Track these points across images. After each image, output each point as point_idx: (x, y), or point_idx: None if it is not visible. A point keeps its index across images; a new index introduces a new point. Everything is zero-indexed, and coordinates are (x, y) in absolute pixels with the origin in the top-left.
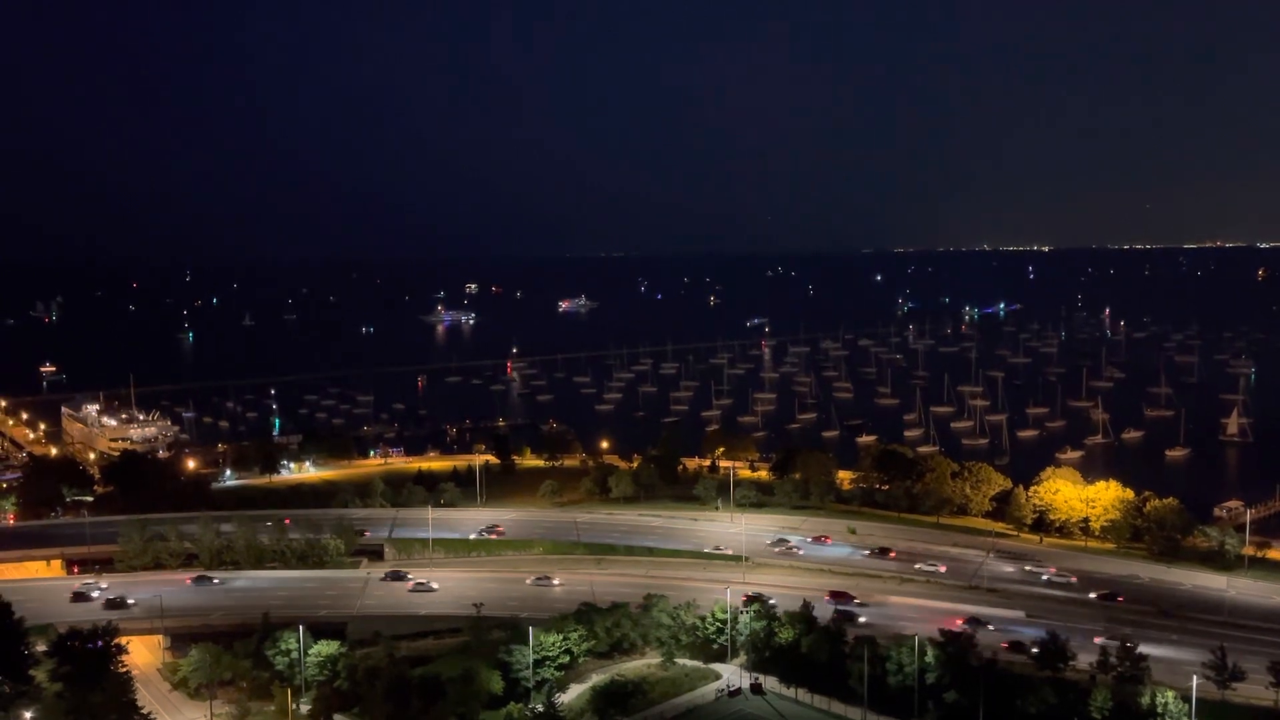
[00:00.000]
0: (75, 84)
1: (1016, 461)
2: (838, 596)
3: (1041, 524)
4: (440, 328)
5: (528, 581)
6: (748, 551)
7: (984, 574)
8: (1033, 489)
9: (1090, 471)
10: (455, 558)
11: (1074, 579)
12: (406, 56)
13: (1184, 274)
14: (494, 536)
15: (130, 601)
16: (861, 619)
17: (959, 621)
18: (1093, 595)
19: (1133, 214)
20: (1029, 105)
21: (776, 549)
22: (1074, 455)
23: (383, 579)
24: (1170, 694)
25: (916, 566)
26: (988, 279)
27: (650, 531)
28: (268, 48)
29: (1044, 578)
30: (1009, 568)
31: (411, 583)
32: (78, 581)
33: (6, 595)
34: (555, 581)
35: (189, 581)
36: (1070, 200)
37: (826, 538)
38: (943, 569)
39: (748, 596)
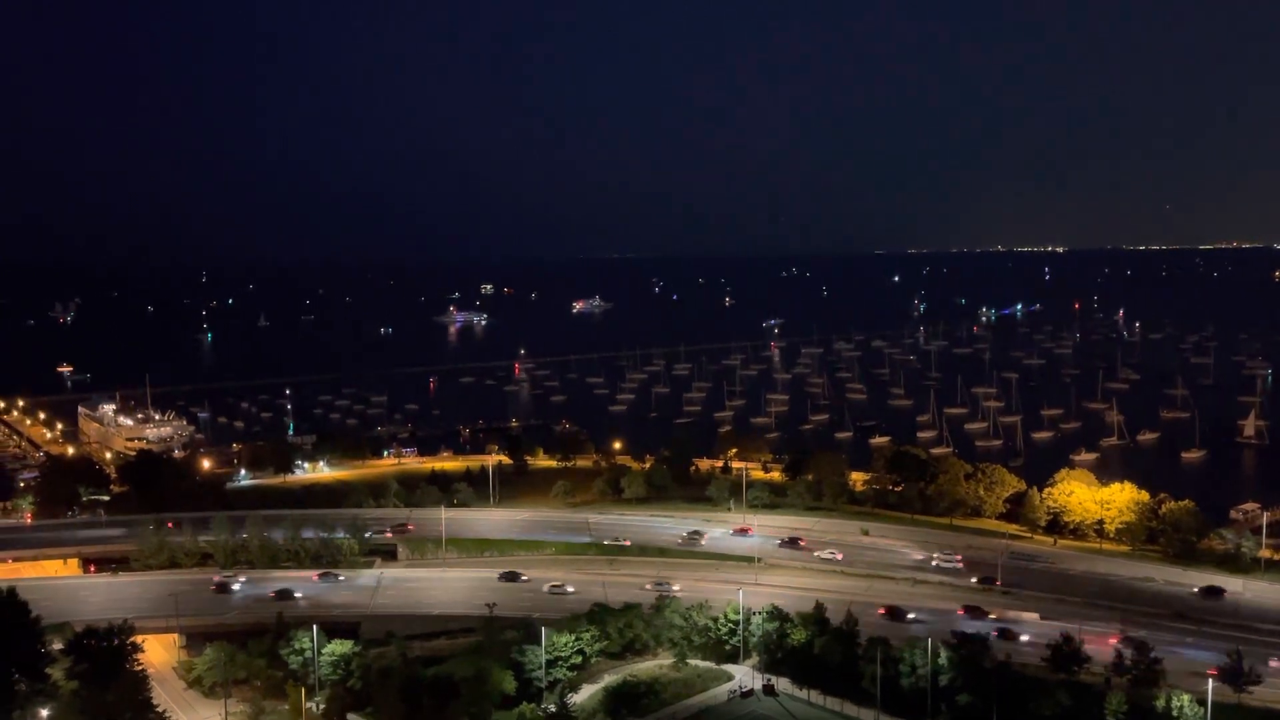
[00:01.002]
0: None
1: (1030, 463)
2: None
3: (1055, 526)
4: (452, 329)
5: (544, 589)
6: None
7: (895, 563)
8: (1047, 491)
9: (1105, 473)
10: (468, 557)
11: (961, 562)
12: (416, 58)
13: (1200, 275)
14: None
15: (298, 595)
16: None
17: (881, 610)
18: (974, 580)
19: (1148, 215)
20: (1043, 105)
21: (688, 539)
22: (1089, 457)
23: (500, 579)
24: (1186, 697)
25: (816, 554)
26: (1003, 280)
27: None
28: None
29: (932, 563)
30: (919, 555)
31: (548, 586)
32: (217, 574)
33: (24, 594)
34: (569, 589)
35: (316, 577)
36: (1085, 201)
37: (749, 529)
38: (839, 556)
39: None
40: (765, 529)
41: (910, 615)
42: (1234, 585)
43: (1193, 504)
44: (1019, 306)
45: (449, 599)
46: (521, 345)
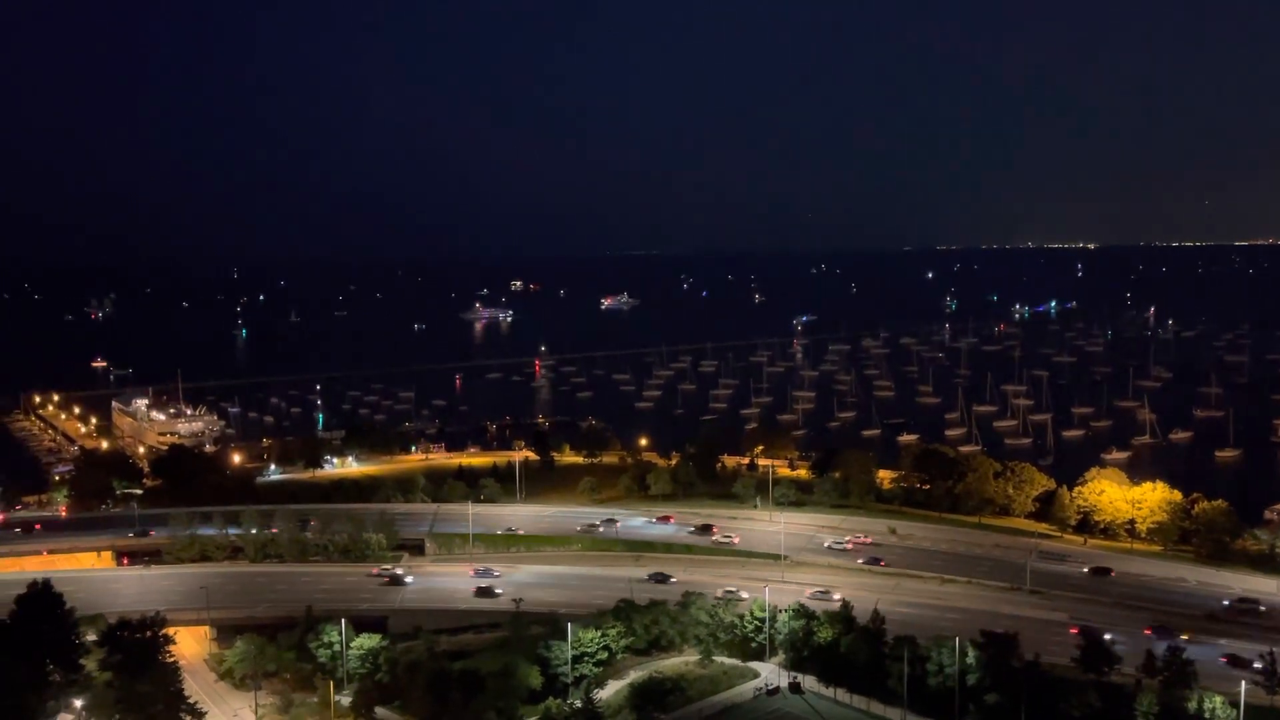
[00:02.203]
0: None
1: (1061, 462)
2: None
3: (1086, 525)
4: (478, 325)
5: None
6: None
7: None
8: (1077, 490)
9: (1137, 472)
10: (494, 552)
11: (849, 545)
12: (447, 58)
13: (1236, 271)
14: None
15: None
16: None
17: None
18: (860, 561)
19: (1181, 210)
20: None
21: (601, 527)
22: (1120, 456)
23: (646, 580)
24: (1219, 699)
25: (714, 539)
26: (1036, 277)
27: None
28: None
29: (825, 544)
30: (828, 541)
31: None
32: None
33: (59, 586)
34: (672, 579)
35: (470, 571)
36: (1117, 197)
37: (670, 517)
38: (736, 540)
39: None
40: (791, 525)
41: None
42: (1269, 587)
43: (1226, 504)
44: (1053, 303)
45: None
46: (543, 342)
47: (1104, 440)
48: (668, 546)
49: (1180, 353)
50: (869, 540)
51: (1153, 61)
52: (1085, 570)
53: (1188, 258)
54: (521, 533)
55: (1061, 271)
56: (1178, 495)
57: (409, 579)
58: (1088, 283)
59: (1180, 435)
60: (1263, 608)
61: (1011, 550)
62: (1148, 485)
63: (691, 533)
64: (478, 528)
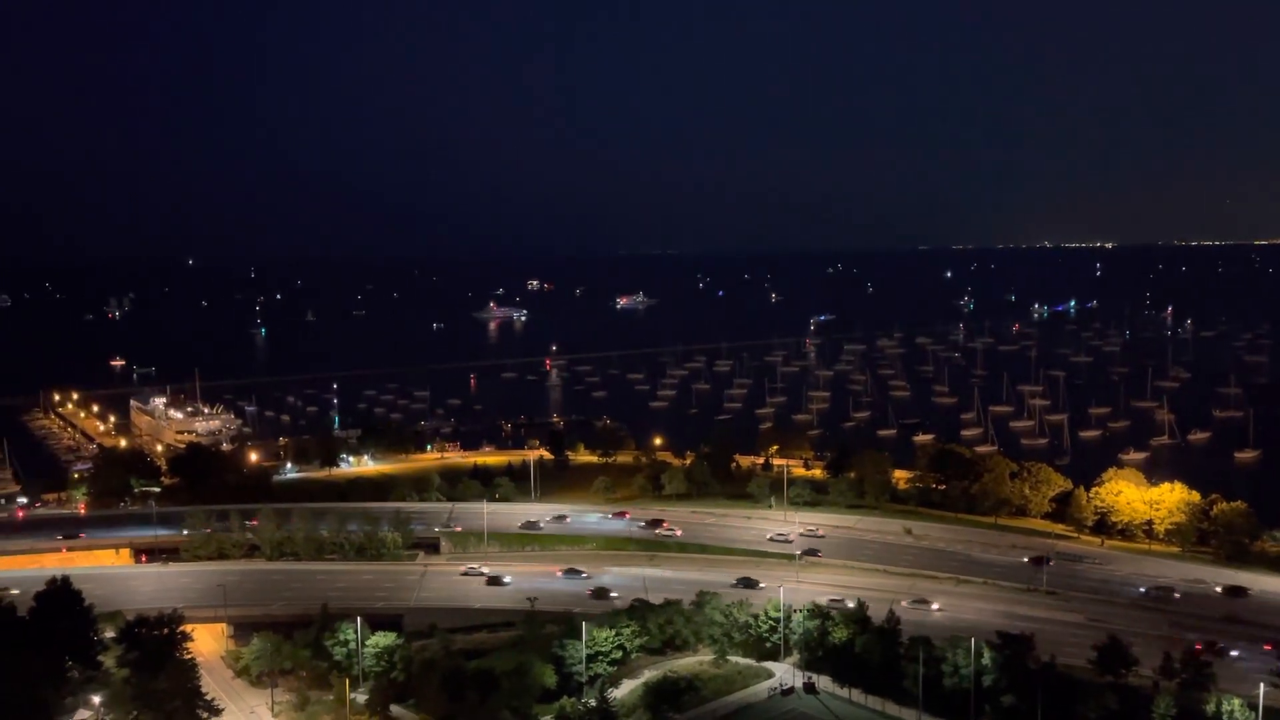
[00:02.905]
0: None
1: (1077, 462)
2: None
3: (1103, 526)
4: (492, 324)
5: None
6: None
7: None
8: (1094, 490)
9: (1155, 473)
10: (509, 551)
11: (791, 537)
12: (466, 58)
13: (1256, 271)
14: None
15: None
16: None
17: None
18: (798, 553)
19: (1199, 210)
20: (1089, 100)
21: (551, 522)
22: (1138, 456)
23: (733, 585)
24: (1236, 701)
25: (655, 532)
26: (1054, 276)
27: (703, 529)
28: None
29: (768, 536)
30: (770, 534)
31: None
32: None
33: (77, 583)
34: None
35: (559, 574)
36: (1135, 196)
37: (625, 513)
38: (678, 533)
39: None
40: (799, 524)
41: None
42: None
43: (1245, 505)
44: (1072, 303)
45: (492, 593)
46: (555, 341)
47: (1122, 441)
48: (681, 546)
49: (1199, 353)
50: (821, 533)
51: (1172, 60)
52: (1219, 590)
53: (1207, 257)
54: (457, 528)
55: (1080, 271)
56: (1196, 496)
57: (507, 579)
58: (1106, 282)
59: (1199, 436)
60: (1177, 594)
61: (1028, 551)
62: (1166, 486)
63: (642, 527)
64: (492, 526)
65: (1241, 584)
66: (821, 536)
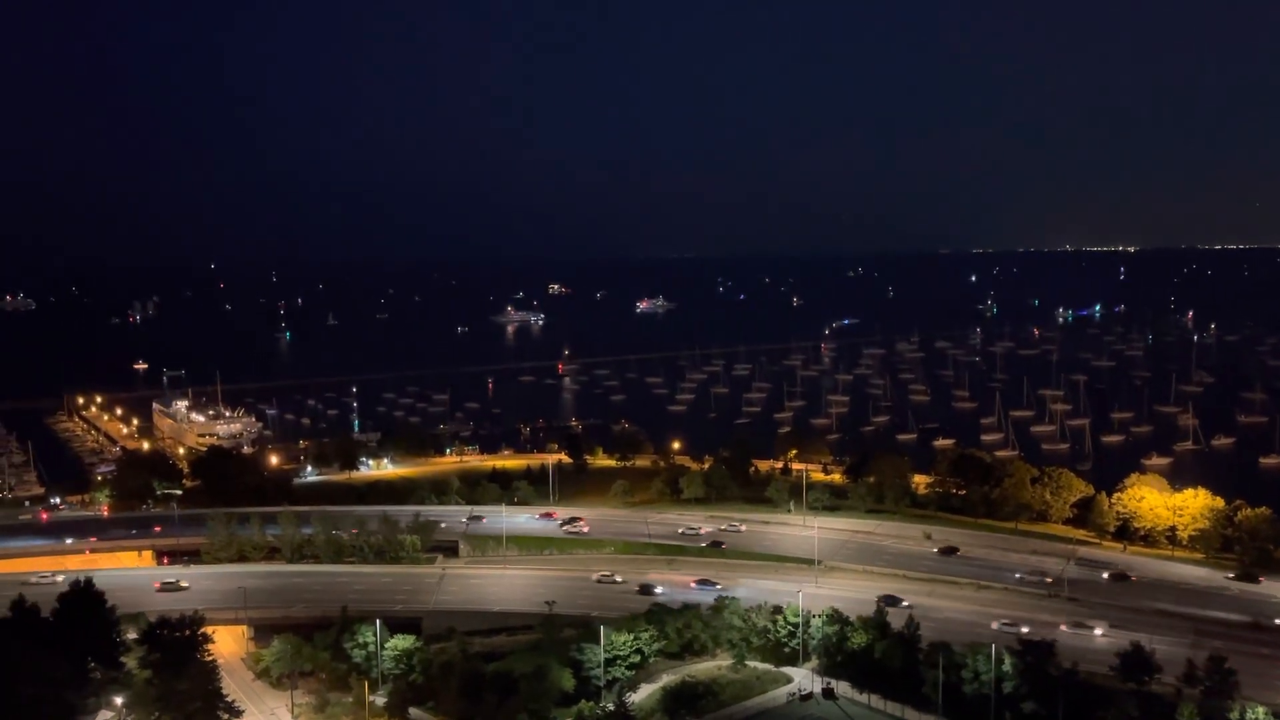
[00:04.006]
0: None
1: (1099, 467)
2: None
3: (1125, 532)
4: (510, 328)
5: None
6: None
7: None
8: (1116, 496)
9: (1178, 479)
10: (528, 555)
11: (702, 529)
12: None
13: None
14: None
15: (658, 590)
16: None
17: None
18: (705, 544)
19: (1224, 213)
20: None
21: (470, 521)
22: (1161, 462)
23: (877, 600)
24: (1261, 709)
25: (564, 529)
26: (1076, 280)
27: (721, 533)
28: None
29: (680, 530)
30: (682, 528)
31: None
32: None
33: (100, 584)
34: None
35: (693, 584)
36: (1158, 199)
37: (553, 513)
38: (586, 529)
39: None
40: (825, 529)
41: None
42: None
43: (1270, 511)
44: (1097, 307)
45: (509, 596)
46: (569, 346)
47: (1144, 446)
48: (700, 550)
49: (1223, 357)
50: (724, 527)
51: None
52: (1105, 576)
53: (1232, 261)
54: (354, 530)
55: (1103, 274)
56: (1220, 502)
57: (659, 589)
58: (1130, 286)
59: (1223, 441)
60: (1049, 579)
61: (1049, 557)
62: (1189, 492)
63: (561, 525)
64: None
65: (1121, 570)
66: (740, 531)
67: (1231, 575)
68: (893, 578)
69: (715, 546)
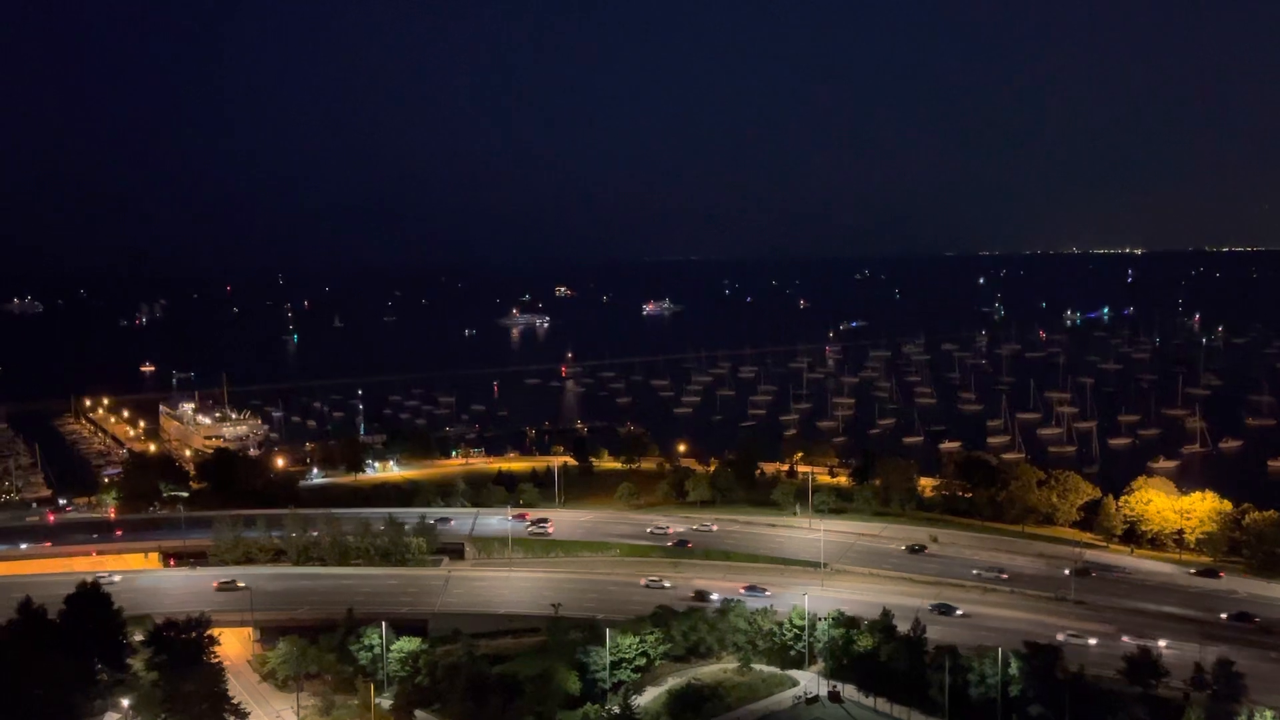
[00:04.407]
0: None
1: (1106, 470)
2: None
3: (1132, 535)
4: (515, 331)
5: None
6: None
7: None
8: (1123, 499)
9: (1186, 482)
10: (534, 557)
11: (670, 530)
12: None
13: None
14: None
15: (713, 597)
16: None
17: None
18: (670, 543)
19: (1231, 215)
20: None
21: (439, 522)
22: (1168, 465)
23: (931, 610)
24: (1269, 713)
25: (529, 529)
26: (1084, 282)
27: (727, 535)
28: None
29: (648, 530)
30: (650, 528)
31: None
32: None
33: (107, 586)
34: (666, 584)
35: (742, 590)
36: (1164, 201)
37: (526, 514)
38: (551, 530)
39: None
40: (831, 532)
41: None
42: None
43: (1278, 515)
44: (1105, 309)
45: (515, 598)
46: (573, 349)
47: (1151, 449)
48: (706, 553)
49: (1231, 360)
50: (695, 528)
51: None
52: (1066, 573)
53: (1241, 263)
54: (313, 534)
55: (1111, 277)
56: (1228, 505)
57: (714, 596)
58: (1138, 288)
59: (1231, 444)
60: (1004, 575)
61: (1055, 560)
62: (1197, 495)
63: (528, 527)
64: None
65: (1083, 565)
66: (712, 530)
67: (1193, 571)
68: (899, 580)
69: (681, 546)
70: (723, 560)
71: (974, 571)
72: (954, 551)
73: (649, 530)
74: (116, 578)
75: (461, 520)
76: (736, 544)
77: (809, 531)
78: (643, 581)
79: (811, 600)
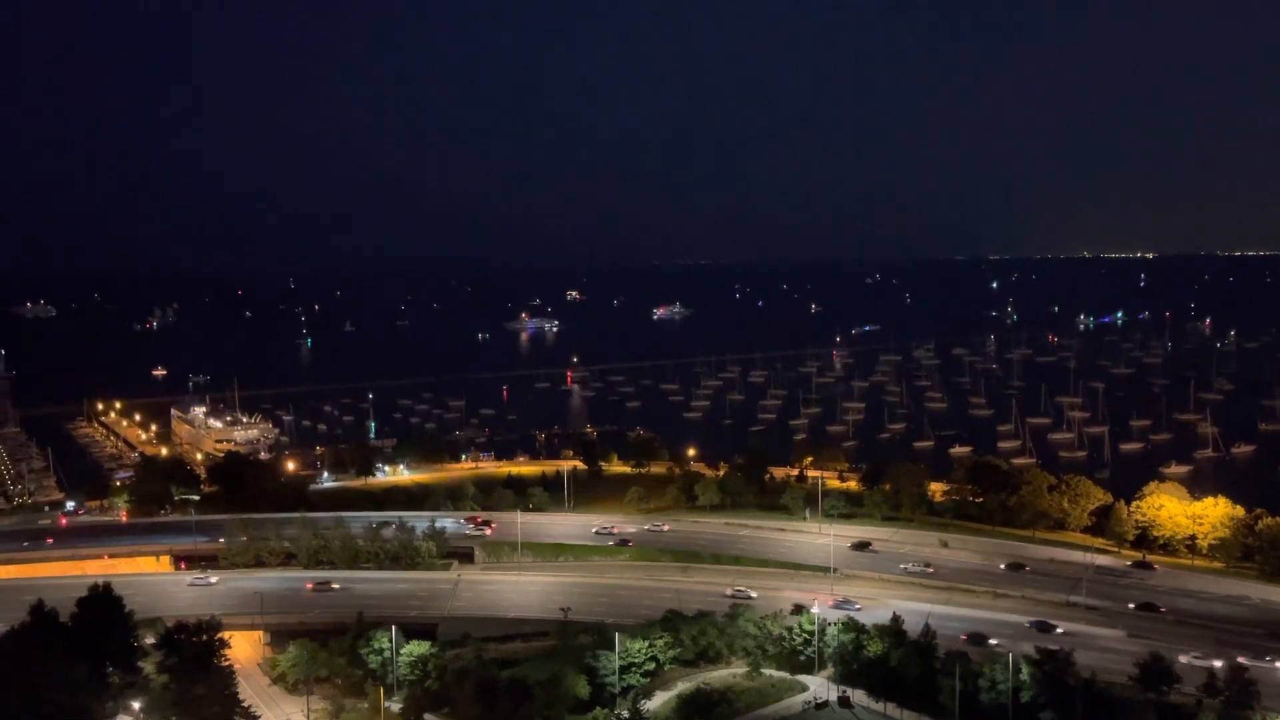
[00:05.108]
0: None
1: (1118, 475)
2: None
3: (1144, 541)
4: (524, 335)
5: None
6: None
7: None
8: (1135, 504)
9: (1198, 487)
10: (544, 562)
11: (615, 529)
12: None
13: None
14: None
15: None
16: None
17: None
18: (611, 541)
19: (1243, 219)
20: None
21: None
22: (1180, 470)
23: (1030, 627)
24: None
25: (468, 531)
26: (1096, 286)
27: (737, 540)
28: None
29: (593, 530)
30: (595, 527)
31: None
32: (830, 599)
33: (118, 589)
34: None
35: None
36: (1174, 204)
37: (476, 518)
38: (490, 530)
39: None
40: (841, 537)
41: None
42: None
43: None
44: (1119, 314)
45: (524, 602)
46: (580, 353)
47: (1164, 454)
48: (715, 557)
49: (1243, 364)
50: (647, 528)
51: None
52: (1002, 567)
53: (1253, 267)
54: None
55: (1124, 281)
56: (1240, 511)
57: (815, 609)
58: (1151, 292)
59: (1243, 449)
60: (929, 568)
61: (1066, 565)
62: (1209, 500)
63: (472, 528)
64: (541, 537)
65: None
66: (664, 531)
67: (1130, 564)
68: (908, 586)
69: (622, 545)
70: (733, 565)
71: (900, 566)
72: (894, 548)
73: (594, 530)
74: (213, 579)
75: (419, 521)
76: (786, 552)
77: (818, 536)
78: (728, 591)
79: (821, 605)
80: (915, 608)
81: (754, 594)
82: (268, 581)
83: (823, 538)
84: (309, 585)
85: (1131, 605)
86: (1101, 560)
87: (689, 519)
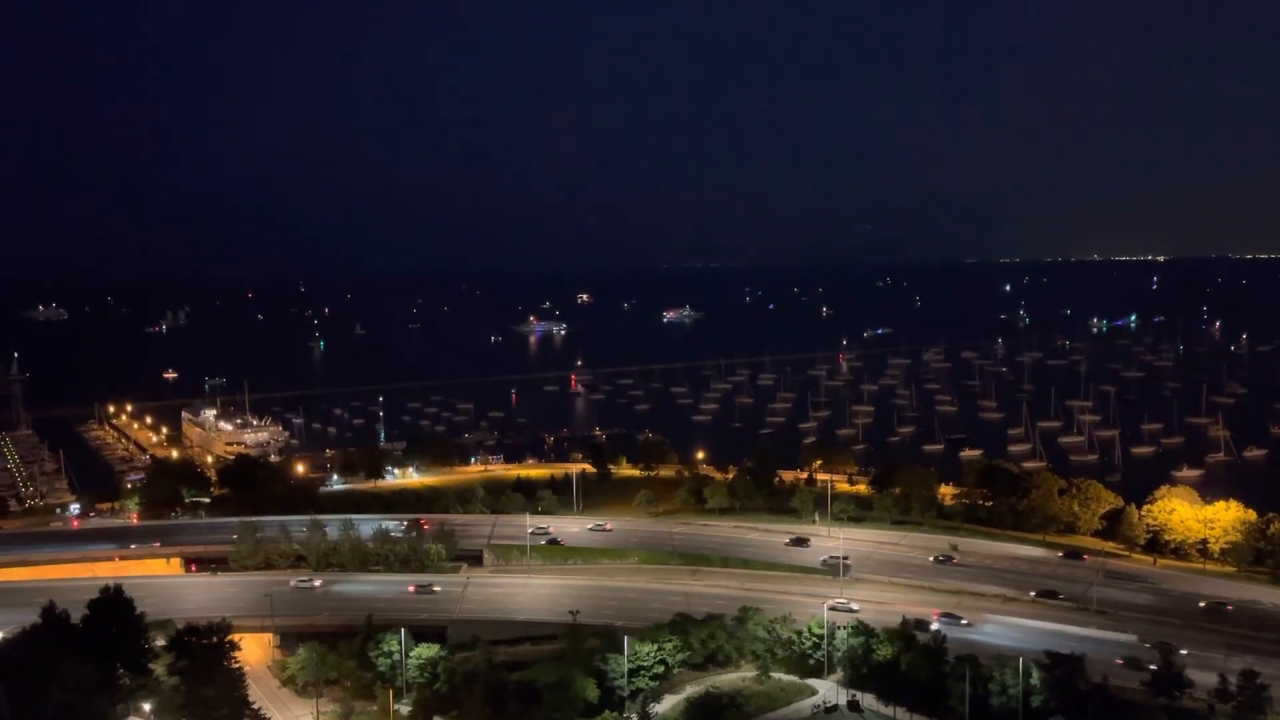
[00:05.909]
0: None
1: (1129, 479)
2: None
3: (1155, 545)
4: (532, 338)
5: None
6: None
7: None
8: (1146, 508)
9: (1210, 490)
10: (552, 564)
11: (550, 529)
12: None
13: None
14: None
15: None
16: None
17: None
18: (543, 540)
19: (1255, 222)
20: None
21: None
22: (1192, 473)
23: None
24: None
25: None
26: (1108, 289)
27: (746, 543)
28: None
29: (589, 527)
30: (590, 525)
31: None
32: (935, 613)
33: (129, 591)
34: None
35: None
36: (1185, 208)
37: (421, 519)
38: (425, 527)
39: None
40: (852, 541)
41: None
42: None
43: None
44: (1133, 317)
45: (533, 605)
46: (586, 357)
47: (1175, 457)
48: (724, 560)
49: (1256, 368)
50: (590, 528)
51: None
52: (931, 560)
53: (1266, 270)
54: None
55: (1135, 284)
56: (1252, 515)
57: (964, 620)
58: (1163, 295)
59: (1255, 452)
60: (848, 560)
61: (1077, 569)
62: (1221, 504)
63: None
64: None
65: (946, 554)
66: (608, 530)
67: (1060, 555)
68: (918, 589)
69: (553, 544)
70: (741, 568)
71: (820, 559)
72: (832, 545)
73: (530, 531)
74: (316, 582)
75: (369, 525)
76: (795, 555)
77: (828, 539)
78: (827, 604)
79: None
80: (921, 613)
81: (856, 606)
82: (370, 586)
83: (832, 541)
84: (411, 588)
85: (1033, 594)
86: (1035, 553)
87: (698, 522)
